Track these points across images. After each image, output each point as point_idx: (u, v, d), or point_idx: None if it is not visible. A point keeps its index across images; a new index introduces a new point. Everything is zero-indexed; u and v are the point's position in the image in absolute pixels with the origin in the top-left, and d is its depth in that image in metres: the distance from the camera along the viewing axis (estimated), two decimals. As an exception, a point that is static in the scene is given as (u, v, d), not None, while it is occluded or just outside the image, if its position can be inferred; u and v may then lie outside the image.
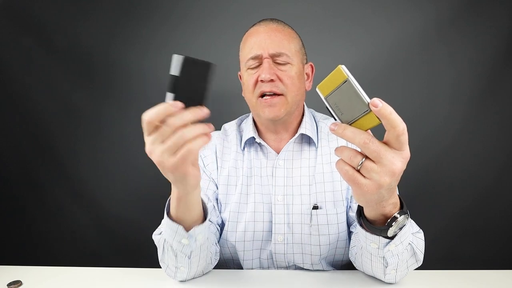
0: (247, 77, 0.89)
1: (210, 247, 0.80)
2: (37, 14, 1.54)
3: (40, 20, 1.55)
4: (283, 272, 0.87)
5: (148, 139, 0.54)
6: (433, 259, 1.50)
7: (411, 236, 0.69)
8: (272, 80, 0.85)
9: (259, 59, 0.88)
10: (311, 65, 0.97)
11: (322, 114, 1.03)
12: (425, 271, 0.83)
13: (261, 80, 0.85)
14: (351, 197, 0.89)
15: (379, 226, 0.63)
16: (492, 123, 1.50)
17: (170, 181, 0.59)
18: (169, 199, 0.70)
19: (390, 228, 0.60)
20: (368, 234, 0.66)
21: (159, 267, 0.80)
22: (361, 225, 0.67)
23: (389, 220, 0.60)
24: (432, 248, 1.49)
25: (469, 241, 1.54)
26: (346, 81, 0.49)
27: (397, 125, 0.48)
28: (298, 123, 0.95)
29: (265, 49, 0.86)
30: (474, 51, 1.48)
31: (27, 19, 1.54)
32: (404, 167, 0.51)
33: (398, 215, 0.60)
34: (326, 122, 0.98)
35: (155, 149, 0.53)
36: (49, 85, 1.57)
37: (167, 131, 0.52)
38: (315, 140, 0.93)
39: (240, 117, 1.06)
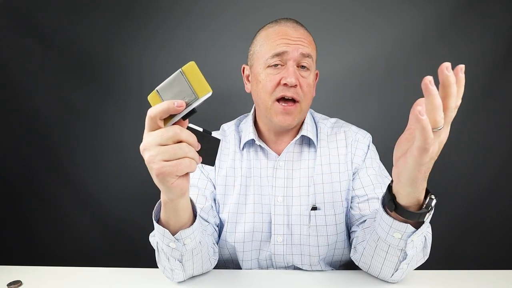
0: (266, 77, 0.85)
1: (206, 250, 0.78)
2: (37, 14, 1.54)
3: (40, 20, 1.55)
4: (282, 272, 0.87)
5: (147, 136, 0.54)
6: (433, 259, 1.51)
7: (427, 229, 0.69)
8: (295, 86, 0.83)
9: (283, 58, 0.84)
10: (316, 73, 0.97)
11: (321, 115, 1.02)
12: (425, 271, 0.83)
13: (285, 84, 0.83)
14: (352, 197, 0.89)
15: (415, 211, 0.62)
16: (492, 123, 1.51)
17: (155, 183, 0.58)
18: (159, 202, 0.69)
19: (429, 212, 0.61)
20: (395, 223, 0.64)
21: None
22: (387, 213, 0.65)
23: (427, 201, 0.61)
24: (432, 248, 1.50)
25: (469, 241, 1.54)
26: (157, 90, 0.54)
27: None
28: (300, 125, 0.94)
29: (294, 49, 0.83)
30: (474, 51, 1.48)
31: (27, 19, 1.54)
32: None
33: (434, 196, 0.61)
34: (325, 122, 0.98)
35: (151, 148, 0.53)
36: (48, 85, 1.58)
37: (170, 137, 0.53)
38: (315, 142, 0.93)
39: (239, 117, 1.05)
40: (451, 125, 1.65)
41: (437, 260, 1.51)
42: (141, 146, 0.55)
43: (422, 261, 0.74)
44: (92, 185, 1.61)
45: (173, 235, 0.67)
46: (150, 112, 0.53)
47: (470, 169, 1.53)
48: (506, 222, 1.52)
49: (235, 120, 1.04)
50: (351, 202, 0.89)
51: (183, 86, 0.53)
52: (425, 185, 0.59)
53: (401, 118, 1.53)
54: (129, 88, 1.59)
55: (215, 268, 0.88)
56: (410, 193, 0.59)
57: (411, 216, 0.62)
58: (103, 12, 1.55)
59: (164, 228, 0.67)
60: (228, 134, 1.00)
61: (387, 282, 0.77)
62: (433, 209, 0.62)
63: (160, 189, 0.59)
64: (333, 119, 1.00)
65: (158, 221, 0.68)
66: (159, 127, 0.54)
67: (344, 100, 1.55)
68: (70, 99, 1.59)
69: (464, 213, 1.53)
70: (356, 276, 0.81)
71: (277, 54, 0.84)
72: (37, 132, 1.60)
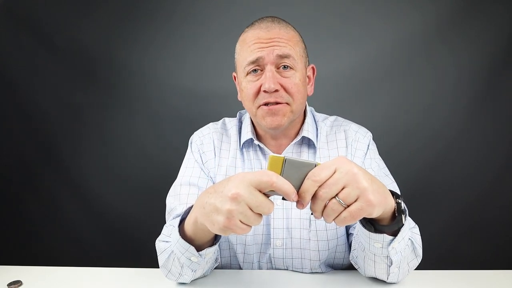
0: (246, 85, 0.83)
1: (214, 256, 0.79)
2: (38, 15, 1.54)
3: (40, 20, 1.55)
4: (282, 273, 0.87)
5: (248, 189, 0.53)
6: (433, 259, 1.50)
7: (409, 232, 0.70)
8: (276, 90, 0.79)
9: (260, 63, 0.81)
10: (312, 67, 0.92)
11: (321, 114, 1.00)
12: (425, 271, 0.82)
13: (264, 91, 0.79)
14: None
15: (390, 223, 0.63)
16: (492, 123, 1.51)
17: (206, 215, 0.58)
18: (183, 216, 0.70)
19: (403, 216, 0.62)
20: (372, 234, 0.65)
21: (159, 266, 0.79)
22: (364, 227, 0.66)
23: (396, 209, 0.62)
24: (432, 248, 1.50)
25: (469, 241, 1.54)
26: (285, 160, 0.53)
27: (317, 180, 0.53)
28: (299, 127, 0.92)
29: (268, 52, 0.79)
30: (474, 52, 1.48)
31: (27, 19, 1.54)
32: (351, 163, 0.55)
33: (399, 200, 0.62)
34: (325, 122, 0.95)
35: (241, 204, 0.53)
36: (50, 85, 1.58)
37: (262, 210, 0.54)
38: (315, 143, 0.90)
39: (240, 112, 1.01)
40: (451, 125, 1.65)
41: (437, 260, 1.52)
42: (234, 193, 0.53)
43: (415, 261, 0.74)
44: (93, 185, 1.61)
45: (197, 250, 0.68)
46: (276, 182, 0.52)
47: (470, 169, 1.53)
48: (506, 222, 1.52)
49: (238, 115, 1.00)
50: None
51: (305, 175, 0.53)
52: (388, 199, 0.60)
53: (401, 118, 1.55)
54: (130, 88, 1.59)
55: (214, 268, 0.88)
56: (383, 212, 0.60)
57: (388, 229, 0.64)
58: (104, 13, 1.55)
59: (189, 245, 0.68)
60: (229, 128, 0.96)
61: (388, 283, 0.77)
62: (406, 210, 0.64)
63: (205, 221, 0.59)
64: (332, 117, 0.98)
65: (180, 232, 0.69)
66: (263, 192, 0.53)
67: (343, 100, 1.55)
68: (71, 99, 1.59)
69: (464, 213, 1.53)
70: (357, 276, 0.81)
71: (252, 62, 0.81)
72: (37, 132, 1.60)
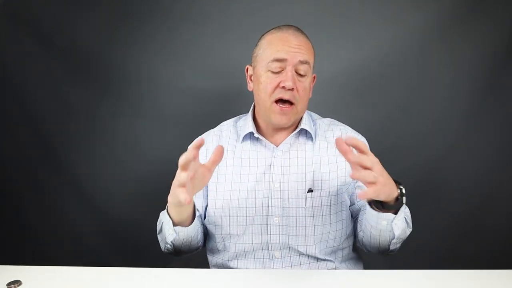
0: (266, 79, 0.93)
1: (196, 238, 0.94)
2: (37, 15, 1.54)
3: (41, 20, 1.55)
4: (282, 272, 0.87)
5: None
6: (433, 259, 1.51)
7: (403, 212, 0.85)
8: (292, 89, 0.91)
9: (283, 64, 0.91)
10: (314, 76, 1.02)
11: (317, 115, 1.09)
12: (425, 271, 0.82)
13: (283, 87, 0.90)
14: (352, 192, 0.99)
15: (394, 204, 0.78)
16: (493, 123, 1.51)
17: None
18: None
19: (404, 198, 0.78)
20: (380, 214, 0.80)
21: (159, 266, 0.80)
22: (375, 207, 0.80)
23: (399, 194, 0.78)
24: (432, 248, 1.50)
25: (469, 241, 1.54)
26: None
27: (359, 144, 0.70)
28: (297, 122, 1.01)
29: (293, 56, 0.90)
30: (475, 51, 1.48)
31: (27, 19, 1.54)
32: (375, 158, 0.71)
33: (401, 186, 0.78)
34: (323, 120, 1.06)
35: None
36: (50, 85, 1.58)
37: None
38: (313, 135, 1.00)
39: (239, 115, 1.10)
40: (451, 125, 1.67)
41: (437, 260, 1.52)
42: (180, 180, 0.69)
43: (408, 231, 0.88)
44: (92, 184, 1.61)
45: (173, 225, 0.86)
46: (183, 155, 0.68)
47: (471, 169, 1.53)
48: (506, 222, 1.52)
49: (235, 118, 1.10)
50: (355, 200, 0.98)
51: None
52: (393, 186, 0.75)
53: (400, 119, 1.54)
54: (129, 88, 1.59)
55: (215, 267, 0.90)
56: (387, 197, 0.75)
57: (393, 208, 0.79)
58: (103, 11, 1.55)
59: (169, 218, 0.86)
60: (224, 129, 1.06)
61: (387, 282, 0.77)
62: (404, 193, 0.79)
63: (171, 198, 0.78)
64: (328, 119, 1.08)
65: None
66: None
67: (343, 100, 1.55)
68: (71, 99, 1.59)
69: (464, 213, 1.53)
70: (357, 276, 0.81)
71: (277, 60, 0.91)
72: (37, 132, 1.60)
